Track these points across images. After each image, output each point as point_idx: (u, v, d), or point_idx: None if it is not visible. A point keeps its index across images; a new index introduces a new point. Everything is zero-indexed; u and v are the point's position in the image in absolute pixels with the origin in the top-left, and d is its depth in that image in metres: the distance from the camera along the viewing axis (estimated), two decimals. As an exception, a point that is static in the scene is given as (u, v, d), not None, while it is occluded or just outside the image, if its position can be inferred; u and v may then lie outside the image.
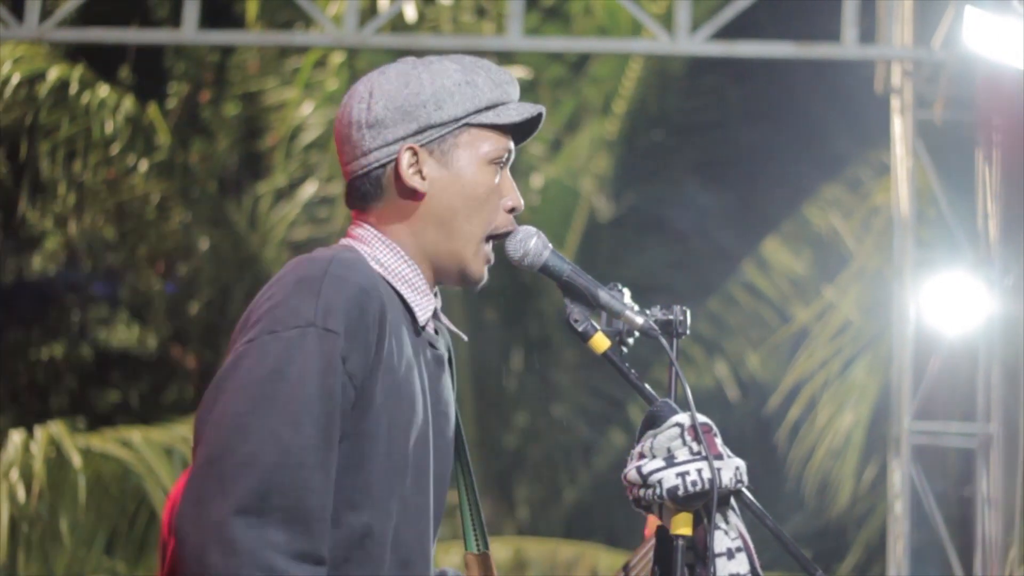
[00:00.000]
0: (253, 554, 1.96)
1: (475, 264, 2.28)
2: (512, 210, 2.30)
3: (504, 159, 2.29)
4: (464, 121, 2.26)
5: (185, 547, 1.98)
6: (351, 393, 2.08)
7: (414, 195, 2.24)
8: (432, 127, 2.24)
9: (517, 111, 2.29)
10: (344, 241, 2.29)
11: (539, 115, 2.32)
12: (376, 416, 2.10)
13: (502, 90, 2.29)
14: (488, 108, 2.27)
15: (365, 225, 2.27)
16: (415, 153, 2.24)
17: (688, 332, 2.31)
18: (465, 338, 2.36)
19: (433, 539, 2.24)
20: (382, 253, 2.24)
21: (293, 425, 2.02)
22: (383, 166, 2.24)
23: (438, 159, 2.25)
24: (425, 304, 2.25)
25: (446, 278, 2.29)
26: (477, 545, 2.38)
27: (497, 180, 2.28)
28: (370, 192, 2.26)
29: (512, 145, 2.31)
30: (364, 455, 2.10)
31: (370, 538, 2.09)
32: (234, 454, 2.00)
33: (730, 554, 2.21)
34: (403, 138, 2.24)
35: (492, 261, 2.32)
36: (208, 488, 2.00)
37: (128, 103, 9.35)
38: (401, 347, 2.16)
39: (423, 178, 2.24)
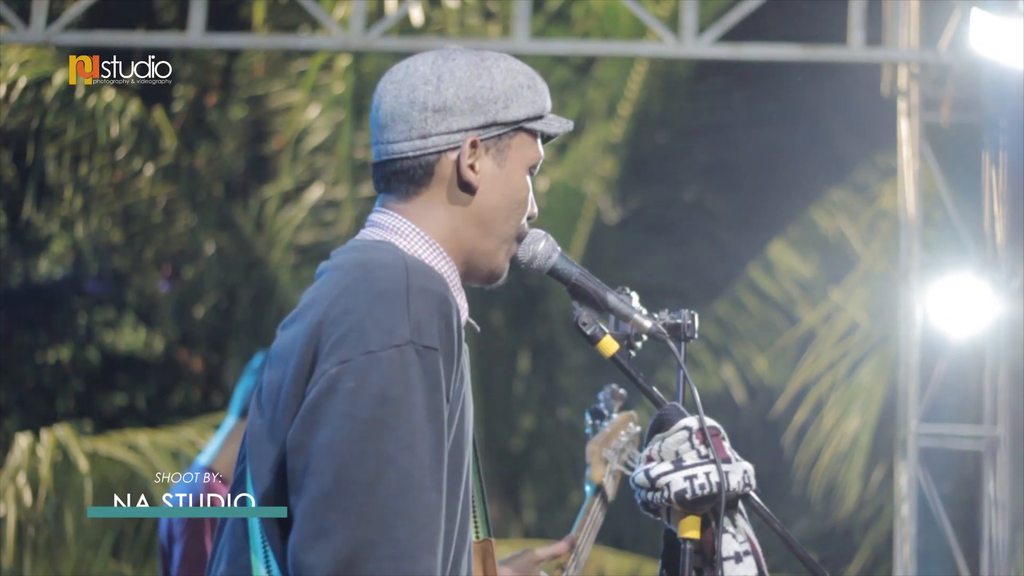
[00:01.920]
0: None
1: (504, 263, 2.28)
2: (529, 217, 2.31)
3: (537, 168, 2.30)
4: (521, 124, 2.25)
5: None
6: (446, 407, 2.03)
7: (465, 189, 2.21)
8: (496, 124, 2.22)
9: (558, 124, 2.30)
10: (374, 232, 2.23)
11: None
12: (451, 424, 2.05)
13: (548, 100, 2.30)
14: (540, 116, 2.28)
15: (394, 214, 2.22)
16: (475, 146, 2.21)
17: (696, 336, 2.32)
18: (478, 329, 2.33)
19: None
20: (422, 249, 2.19)
21: (409, 449, 1.96)
22: (439, 153, 2.20)
23: (493, 157, 2.23)
24: (463, 303, 2.22)
25: (473, 275, 2.26)
26: (477, 532, 2.35)
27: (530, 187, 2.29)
28: (417, 177, 2.21)
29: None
30: None
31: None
32: (354, 484, 1.94)
33: (738, 557, 2.21)
34: (468, 129, 2.21)
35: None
36: (331, 521, 1.93)
37: (134, 106, 9.35)
38: (464, 351, 2.12)
39: (475, 172, 2.21)
